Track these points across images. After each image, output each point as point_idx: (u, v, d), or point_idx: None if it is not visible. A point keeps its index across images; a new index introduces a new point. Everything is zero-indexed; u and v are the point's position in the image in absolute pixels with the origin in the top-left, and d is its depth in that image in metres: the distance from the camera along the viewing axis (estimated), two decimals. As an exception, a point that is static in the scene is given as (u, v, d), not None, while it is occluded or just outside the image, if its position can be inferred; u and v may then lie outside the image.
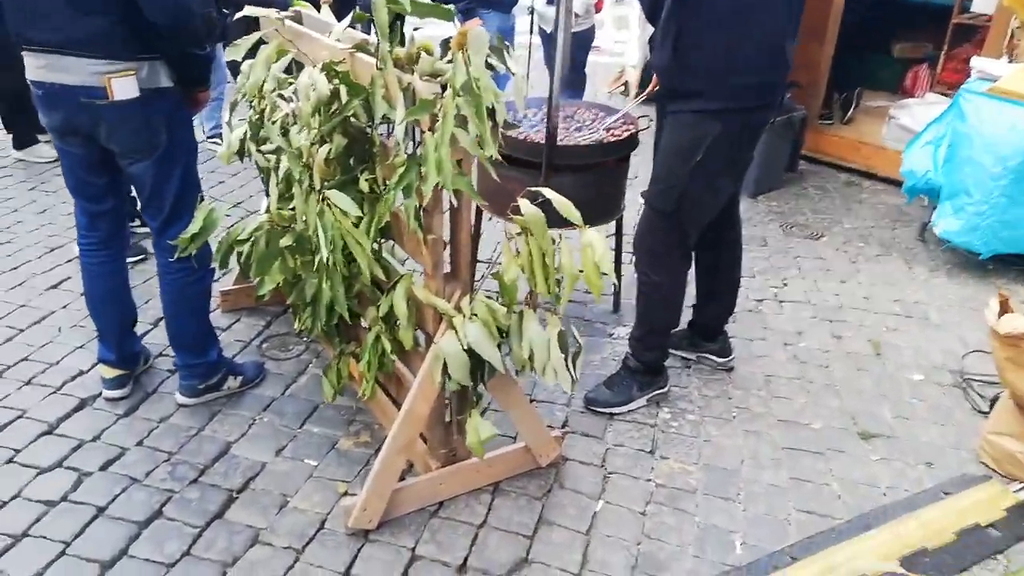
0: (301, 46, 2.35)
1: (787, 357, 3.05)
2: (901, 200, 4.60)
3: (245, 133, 2.03)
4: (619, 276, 3.30)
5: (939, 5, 5.29)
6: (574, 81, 5.60)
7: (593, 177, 2.94)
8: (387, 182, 1.90)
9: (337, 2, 4.91)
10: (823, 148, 5.16)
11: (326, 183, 2.02)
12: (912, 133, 4.64)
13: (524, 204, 1.84)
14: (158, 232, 2.32)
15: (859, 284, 3.67)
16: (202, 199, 2.21)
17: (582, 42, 5.50)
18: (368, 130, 2.00)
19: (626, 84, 6.75)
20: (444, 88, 1.74)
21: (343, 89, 1.95)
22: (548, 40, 5.57)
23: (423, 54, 1.92)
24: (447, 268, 2.03)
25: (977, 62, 3.93)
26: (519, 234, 1.90)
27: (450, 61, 1.81)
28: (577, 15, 5.31)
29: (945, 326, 3.33)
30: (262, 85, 1.94)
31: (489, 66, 1.80)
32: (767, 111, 2.39)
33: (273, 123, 1.97)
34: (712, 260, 2.76)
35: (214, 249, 2.32)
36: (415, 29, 1.94)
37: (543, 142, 2.72)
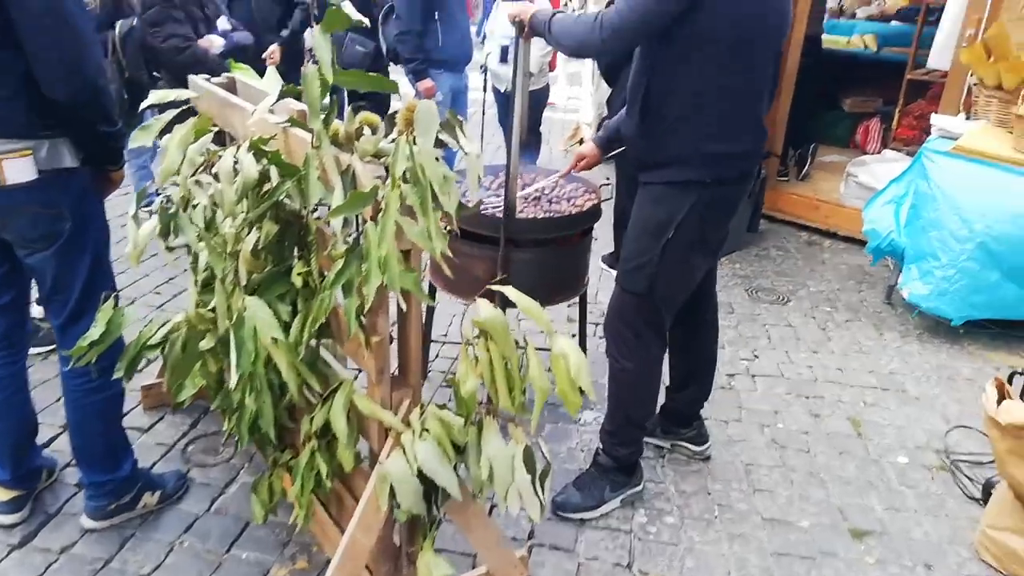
0: (230, 119, 2.11)
1: (766, 441, 2.84)
2: (864, 260, 4.51)
3: (155, 227, 1.75)
4: (584, 350, 3.06)
5: (892, 60, 5.33)
6: (529, 141, 5.45)
7: (556, 252, 2.73)
8: (325, 274, 1.65)
9: (285, 63, 4.76)
10: (782, 206, 5.08)
11: (254, 276, 1.76)
12: (871, 191, 4.58)
13: (483, 305, 1.60)
14: (60, 330, 2.01)
15: (831, 354, 3.51)
16: (112, 295, 1.91)
17: (537, 101, 5.36)
18: (303, 214, 1.75)
19: (581, 141, 6.64)
20: (388, 171, 1.51)
21: (274, 169, 1.71)
22: (502, 99, 5.42)
23: (365, 129, 1.69)
24: (394, 368, 1.77)
25: (937, 119, 3.88)
26: (477, 338, 1.65)
27: (394, 140, 1.59)
28: (531, 74, 5.17)
29: (924, 399, 3.17)
30: (177, 170, 1.68)
31: (440, 143, 1.58)
32: (745, 182, 2.21)
33: (189, 211, 1.70)
34: (687, 340, 2.55)
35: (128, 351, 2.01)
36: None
37: (500, 216, 2.51)
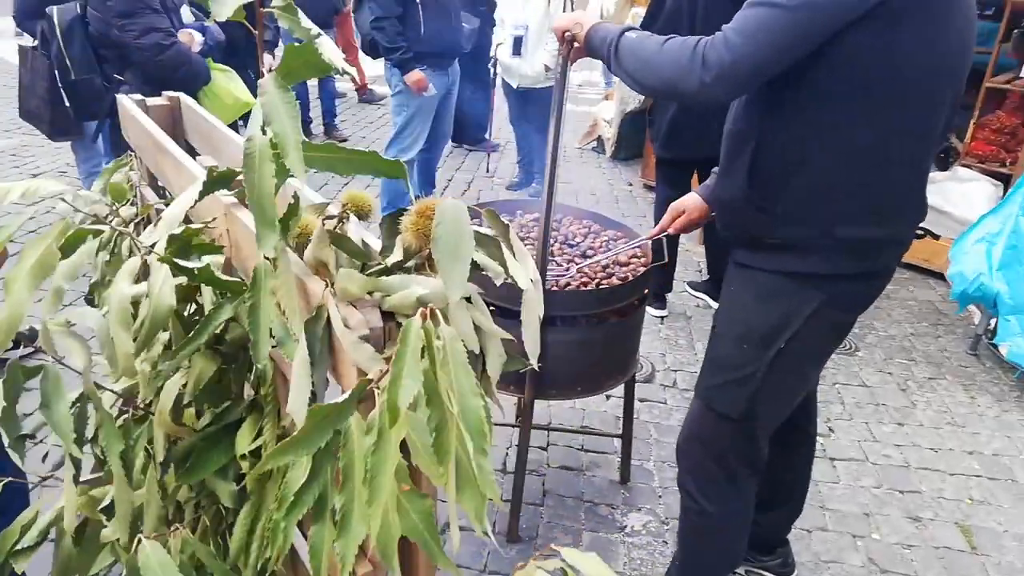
0: (161, 166, 1.48)
1: (862, 560, 2.24)
2: (936, 295, 3.90)
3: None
4: (629, 437, 2.46)
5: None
6: (543, 143, 4.79)
7: (602, 330, 2.09)
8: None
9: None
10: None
11: (176, 444, 1.14)
12: (944, 215, 3.96)
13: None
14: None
15: (920, 427, 2.90)
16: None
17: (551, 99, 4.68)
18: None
19: (599, 140, 5.97)
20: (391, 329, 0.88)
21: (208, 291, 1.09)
22: (515, 96, 4.74)
23: (351, 227, 1.06)
24: None
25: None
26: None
27: (401, 266, 0.96)
28: (547, 67, 4.50)
29: (1043, 494, 2.58)
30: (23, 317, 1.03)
31: (475, 267, 0.95)
32: (889, 274, 1.58)
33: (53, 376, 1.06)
34: (780, 456, 1.92)
35: None
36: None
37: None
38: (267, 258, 0.93)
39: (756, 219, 1.50)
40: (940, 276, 4.02)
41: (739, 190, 1.51)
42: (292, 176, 0.88)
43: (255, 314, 0.96)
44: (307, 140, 0.96)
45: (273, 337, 0.96)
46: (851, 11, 1.27)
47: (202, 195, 0.95)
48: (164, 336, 1.15)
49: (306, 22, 0.90)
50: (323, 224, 0.92)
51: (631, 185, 5.37)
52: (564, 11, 4.38)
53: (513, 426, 2.53)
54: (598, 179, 5.48)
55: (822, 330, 1.53)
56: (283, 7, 0.89)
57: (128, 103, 1.74)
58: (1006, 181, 4.05)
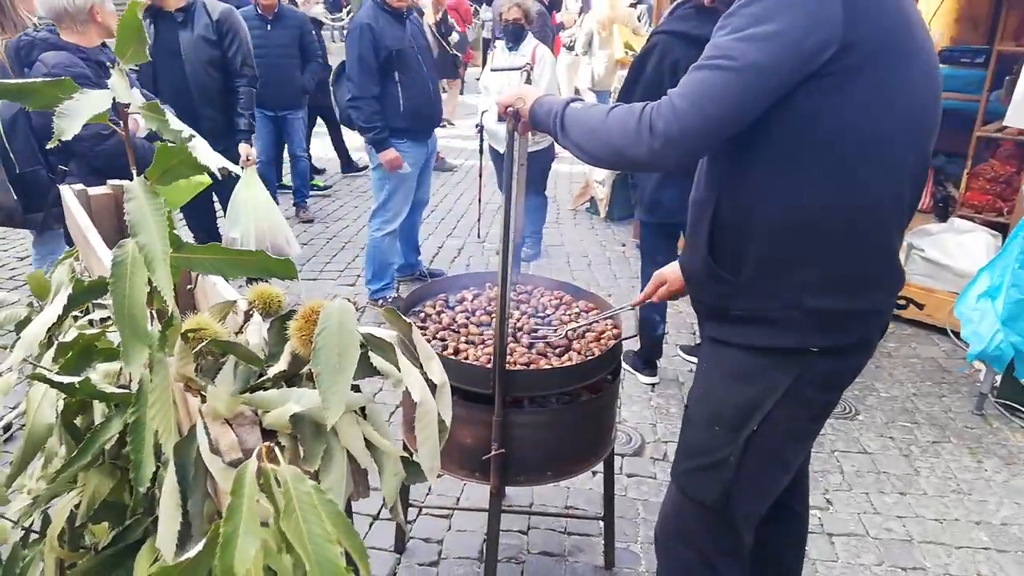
0: (89, 261, 1.43)
1: (863, 652, 2.08)
2: (938, 351, 3.77)
3: None
4: (611, 520, 2.32)
5: (950, 108, 4.59)
6: (534, 206, 4.76)
7: (572, 410, 1.99)
8: None
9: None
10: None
11: (72, 569, 1.04)
12: (942, 268, 3.86)
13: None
14: None
15: (923, 495, 2.75)
16: None
17: (541, 164, 4.69)
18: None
19: (592, 200, 5.95)
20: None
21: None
22: (502, 161, 4.74)
23: (252, 328, 0.98)
24: None
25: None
26: None
27: (286, 377, 0.88)
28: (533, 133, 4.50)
29: (1059, 568, 2.41)
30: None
31: (370, 371, 0.87)
32: (868, 349, 1.48)
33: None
34: (768, 542, 1.78)
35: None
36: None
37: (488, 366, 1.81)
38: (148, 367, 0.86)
39: (720, 290, 1.42)
40: (943, 331, 3.90)
41: (701, 260, 1.44)
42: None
43: (137, 432, 0.88)
44: (188, 243, 0.90)
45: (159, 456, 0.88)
46: (800, 70, 1.21)
47: (67, 310, 0.88)
48: (63, 451, 1.07)
49: (176, 123, 0.85)
50: (183, 340, 0.84)
51: (624, 246, 5.31)
52: (529, 82, 4.40)
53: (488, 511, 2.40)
54: (591, 241, 5.44)
55: (798, 411, 1.43)
56: (149, 107, 0.84)
57: (68, 194, 1.69)
58: (1003, 230, 3.96)
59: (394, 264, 4.29)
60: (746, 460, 1.44)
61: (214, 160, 0.85)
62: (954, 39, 4.83)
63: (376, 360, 0.88)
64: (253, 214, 3.54)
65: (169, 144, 0.84)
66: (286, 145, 5.54)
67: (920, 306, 3.87)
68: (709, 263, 1.42)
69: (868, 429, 3.16)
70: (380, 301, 4.17)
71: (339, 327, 0.82)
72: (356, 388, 0.87)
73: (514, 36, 4.52)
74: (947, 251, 3.88)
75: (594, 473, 2.74)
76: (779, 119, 1.26)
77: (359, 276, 4.58)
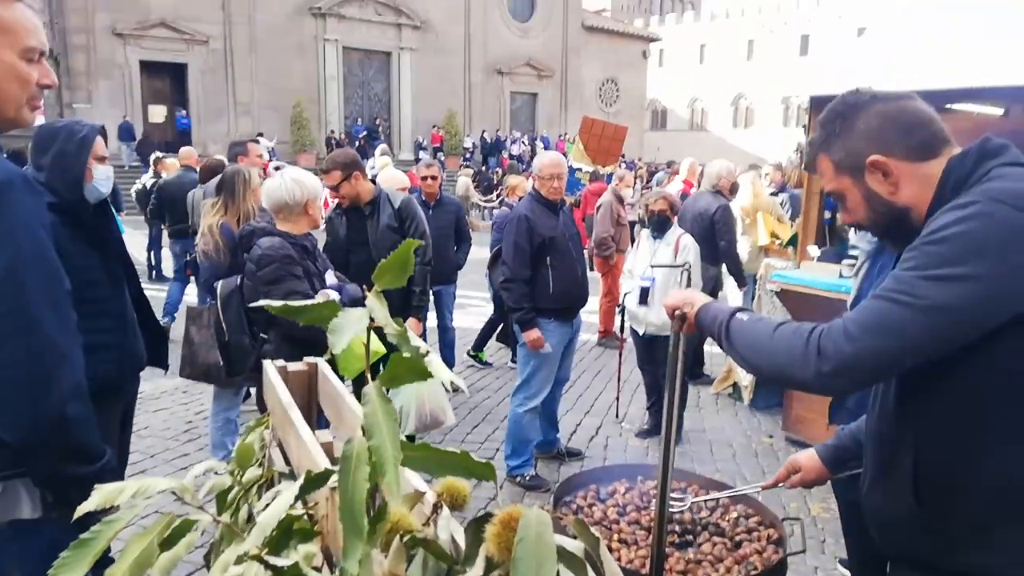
0: (287, 435, 1.57)
1: None
2: None
3: None
4: None
5: None
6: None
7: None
8: None
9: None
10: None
11: None
12: None
13: None
14: None
15: None
16: None
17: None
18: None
19: (735, 385, 5.82)
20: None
21: None
22: (642, 342, 4.81)
23: (442, 522, 1.04)
24: None
25: None
26: None
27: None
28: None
29: None
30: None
31: None
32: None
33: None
34: None
35: None
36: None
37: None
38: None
39: (928, 542, 1.33)
40: None
41: (908, 509, 1.33)
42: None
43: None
44: (403, 440, 0.99)
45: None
46: (990, 318, 1.19)
47: (297, 498, 0.99)
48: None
49: (415, 340, 0.96)
50: (400, 540, 0.91)
51: (771, 437, 5.08)
52: (681, 287, 4.53)
53: None
54: (734, 429, 5.25)
55: None
56: (398, 332, 0.95)
57: (270, 368, 1.89)
58: None
59: (533, 440, 4.33)
60: None
61: (447, 375, 0.96)
62: None
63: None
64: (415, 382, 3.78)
65: (405, 355, 0.96)
66: (437, 319, 5.90)
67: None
68: (917, 511, 1.32)
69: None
70: (518, 478, 4.19)
71: (537, 539, 0.86)
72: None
73: (659, 226, 4.72)
74: None
75: None
76: (979, 356, 1.21)
77: (498, 449, 4.63)
